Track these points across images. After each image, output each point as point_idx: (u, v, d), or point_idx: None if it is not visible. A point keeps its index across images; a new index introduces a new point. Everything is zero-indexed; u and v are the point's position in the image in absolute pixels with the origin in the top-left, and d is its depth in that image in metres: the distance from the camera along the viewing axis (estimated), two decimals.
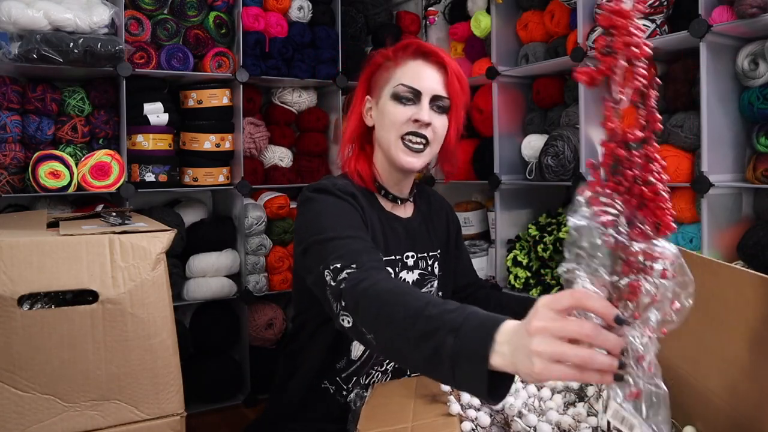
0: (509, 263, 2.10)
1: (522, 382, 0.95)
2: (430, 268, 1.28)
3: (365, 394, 0.99)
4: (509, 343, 0.65)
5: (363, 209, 1.15)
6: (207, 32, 2.17)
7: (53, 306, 0.98)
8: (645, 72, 0.59)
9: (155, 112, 2.07)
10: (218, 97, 2.17)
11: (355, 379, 1.21)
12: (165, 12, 2.12)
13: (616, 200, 0.61)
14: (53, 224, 1.18)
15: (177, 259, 2.13)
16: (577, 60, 1.79)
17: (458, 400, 0.91)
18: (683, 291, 0.61)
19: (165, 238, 1.07)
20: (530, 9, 2.10)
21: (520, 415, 0.87)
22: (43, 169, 1.81)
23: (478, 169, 2.25)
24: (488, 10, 2.18)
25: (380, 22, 2.54)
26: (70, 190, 1.86)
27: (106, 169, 1.91)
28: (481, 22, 2.18)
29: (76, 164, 1.88)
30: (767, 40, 1.48)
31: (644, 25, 1.65)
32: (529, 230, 2.04)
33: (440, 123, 1.18)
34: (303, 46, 2.33)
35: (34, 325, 0.94)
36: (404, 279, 1.24)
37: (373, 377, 1.23)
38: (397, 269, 1.23)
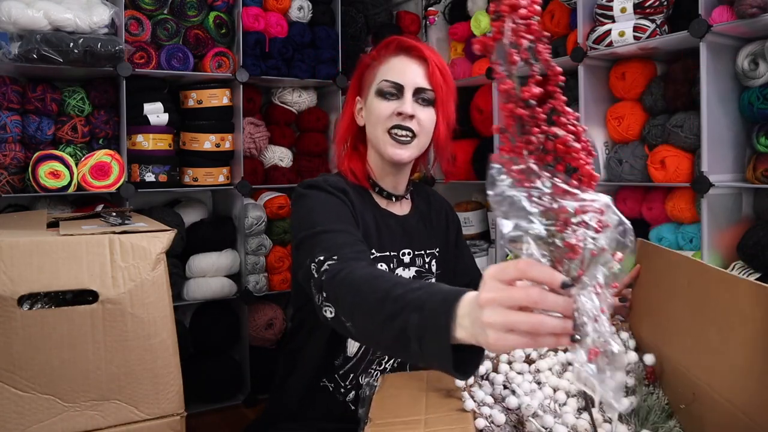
0: None
1: (537, 383, 0.95)
2: (427, 266, 1.29)
3: (375, 383, 1.00)
4: (469, 315, 0.66)
5: (353, 204, 1.17)
6: (207, 32, 2.17)
7: (53, 306, 0.98)
8: (529, 28, 0.58)
9: (155, 112, 2.07)
10: (218, 97, 2.17)
11: (352, 376, 1.22)
12: (165, 12, 2.12)
13: (530, 160, 0.60)
14: (53, 224, 1.18)
15: (177, 259, 2.13)
16: (577, 60, 1.79)
17: (472, 396, 0.91)
18: (623, 239, 0.59)
19: (165, 238, 1.07)
20: None
21: (535, 415, 0.87)
22: (43, 169, 1.81)
23: (478, 169, 2.25)
24: (488, 10, 2.18)
25: (380, 22, 2.54)
26: (70, 190, 1.86)
27: (106, 169, 1.91)
28: (481, 22, 2.18)
29: (76, 164, 1.88)
30: (767, 40, 1.48)
31: (644, 25, 1.65)
32: None
33: (426, 115, 1.20)
34: (303, 46, 2.33)
35: (34, 325, 0.94)
36: (400, 276, 1.24)
37: (372, 377, 1.23)
38: (392, 265, 1.24)
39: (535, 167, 0.59)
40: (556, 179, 0.59)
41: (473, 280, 1.43)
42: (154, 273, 1.03)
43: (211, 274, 2.15)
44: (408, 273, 1.25)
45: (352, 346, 1.21)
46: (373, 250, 1.21)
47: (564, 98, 0.60)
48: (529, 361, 1.00)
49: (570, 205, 0.58)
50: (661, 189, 1.74)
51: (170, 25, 2.11)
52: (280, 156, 2.38)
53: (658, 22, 1.65)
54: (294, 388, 1.24)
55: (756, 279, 1.43)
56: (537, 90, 0.58)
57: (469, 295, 0.68)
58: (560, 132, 0.59)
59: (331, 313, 0.93)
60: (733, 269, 1.51)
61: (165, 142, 2.09)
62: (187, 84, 2.21)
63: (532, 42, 0.59)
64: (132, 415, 1.00)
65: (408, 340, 0.73)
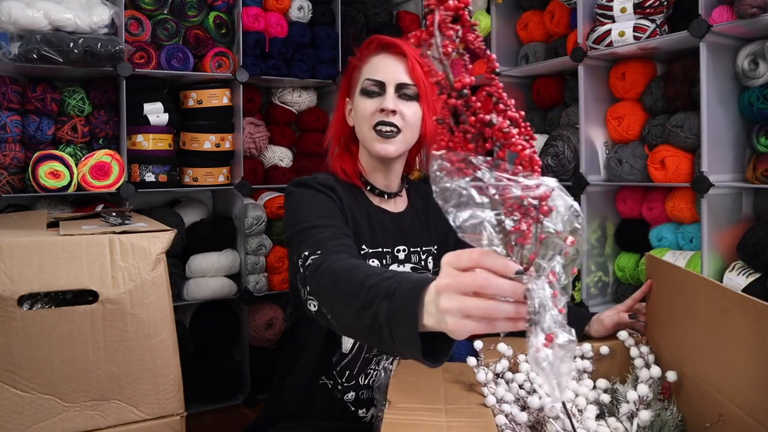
0: None
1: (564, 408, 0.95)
2: (423, 263, 1.30)
3: (390, 367, 1.01)
4: (433, 302, 0.67)
5: (342, 200, 1.19)
6: (207, 32, 2.17)
7: (53, 306, 0.98)
8: (461, 20, 0.58)
9: (155, 112, 2.06)
10: (218, 97, 2.17)
11: (348, 373, 1.22)
12: (165, 12, 2.12)
13: (468, 149, 0.60)
14: (53, 224, 1.18)
15: (177, 259, 2.13)
16: (577, 60, 1.79)
17: (493, 393, 0.91)
18: (573, 223, 0.59)
19: (165, 238, 1.07)
20: (530, 9, 2.11)
21: (556, 418, 0.88)
22: (43, 169, 1.81)
23: None
24: (488, 10, 2.18)
25: (380, 22, 2.53)
26: (70, 190, 1.86)
27: (106, 169, 1.91)
28: (481, 22, 2.18)
29: (76, 164, 1.88)
30: (767, 40, 1.48)
31: (644, 25, 1.65)
32: None
33: (410, 110, 1.22)
34: (303, 46, 2.33)
35: (34, 325, 0.94)
36: (377, 266, 1.25)
37: (372, 376, 1.24)
38: (385, 261, 1.25)
39: (475, 156, 0.59)
40: (497, 166, 0.59)
41: None
42: (154, 273, 1.03)
43: (211, 274, 2.15)
44: (403, 269, 1.26)
45: (347, 343, 1.22)
46: (364, 246, 1.22)
47: (500, 84, 0.60)
48: None
49: (513, 190, 0.58)
50: (661, 189, 1.74)
51: (170, 25, 2.11)
52: (280, 156, 2.38)
53: (658, 22, 1.65)
54: (293, 387, 1.25)
55: (756, 279, 1.43)
56: (468, 79, 0.58)
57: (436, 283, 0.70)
58: (496, 119, 0.59)
59: (314, 306, 0.95)
60: (733, 269, 1.51)
61: (165, 142, 2.09)
62: (187, 84, 2.21)
63: (457, 33, 0.59)
64: (132, 415, 1.00)
65: (380, 328, 0.75)
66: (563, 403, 0.83)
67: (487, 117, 0.58)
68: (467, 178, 0.59)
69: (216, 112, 2.17)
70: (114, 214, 1.36)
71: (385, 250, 1.25)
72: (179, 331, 1.12)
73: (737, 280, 1.47)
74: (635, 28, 1.66)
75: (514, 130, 0.59)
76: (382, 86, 1.22)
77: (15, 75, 1.91)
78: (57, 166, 1.83)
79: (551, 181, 0.59)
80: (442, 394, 0.91)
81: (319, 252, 0.99)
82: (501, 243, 0.61)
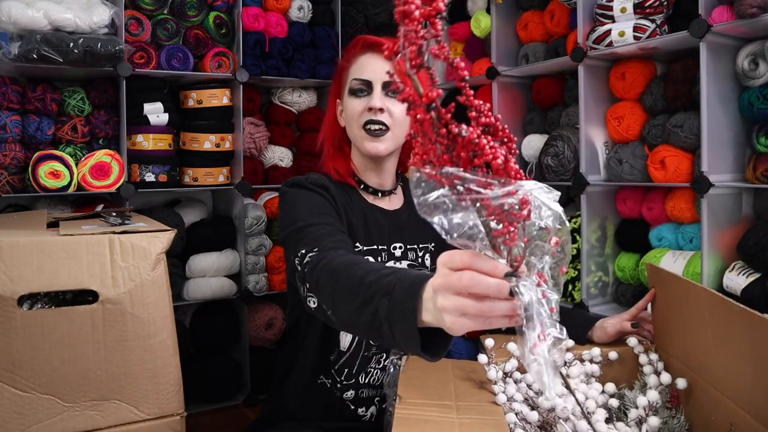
0: None
1: (567, 387, 0.96)
2: (420, 260, 1.31)
3: (399, 361, 1.02)
4: (431, 299, 0.68)
5: (335, 198, 1.21)
6: (207, 32, 2.17)
7: (53, 306, 0.98)
8: (427, 33, 0.58)
9: (155, 112, 2.06)
10: (218, 97, 2.17)
11: (347, 371, 1.22)
12: (165, 12, 2.12)
13: (444, 161, 0.60)
14: (53, 224, 1.18)
15: (177, 259, 2.13)
16: (577, 60, 1.79)
17: (504, 391, 0.92)
18: (556, 225, 0.60)
19: (165, 238, 1.07)
20: (530, 9, 2.10)
21: (567, 419, 0.88)
22: (43, 169, 1.81)
23: None
24: (488, 10, 2.18)
25: (380, 22, 2.53)
26: (70, 190, 1.86)
27: (106, 169, 1.91)
28: (481, 22, 2.18)
29: (76, 164, 1.88)
30: (767, 40, 1.48)
31: (644, 25, 1.65)
32: None
33: (398, 108, 1.23)
34: (303, 46, 2.33)
35: (34, 325, 0.94)
36: (377, 262, 1.25)
37: (371, 376, 1.24)
38: (381, 259, 1.26)
39: (451, 166, 0.60)
40: (474, 174, 0.60)
41: None
42: (154, 273, 1.03)
43: (211, 274, 2.15)
44: (400, 266, 1.26)
45: (345, 340, 1.22)
46: (359, 244, 1.22)
47: (471, 91, 0.60)
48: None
49: (492, 198, 0.59)
50: (661, 189, 1.74)
51: (170, 25, 2.11)
52: (280, 156, 2.38)
53: (658, 22, 1.65)
54: (293, 386, 1.25)
55: (756, 279, 1.43)
56: (435, 93, 0.59)
57: None
58: (466, 131, 0.59)
59: (314, 303, 0.96)
60: (733, 269, 1.51)
61: (165, 142, 2.09)
62: (187, 84, 2.21)
63: (421, 48, 0.59)
64: (132, 415, 1.00)
65: (380, 324, 0.76)
66: (579, 403, 0.83)
67: (456, 129, 0.59)
68: (446, 188, 0.60)
69: (216, 112, 2.17)
70: (114, 214, 1.36)
71: (380, 247, 1.26)
72: (179, 331, 1.12)
73: (737, 280, 1.47)
74: (635, 28, 1.66)
75: (485, 140, 0.59)
76: (369, 85, 1.23)
77: (15, 75, 1.91)
78: (57, 166, 1.83)
79: (530, 184, 0.60)
80: (452, 391, 0.91)
81: (316, 249, 1.00)
82: (488, 247, 0.62)
